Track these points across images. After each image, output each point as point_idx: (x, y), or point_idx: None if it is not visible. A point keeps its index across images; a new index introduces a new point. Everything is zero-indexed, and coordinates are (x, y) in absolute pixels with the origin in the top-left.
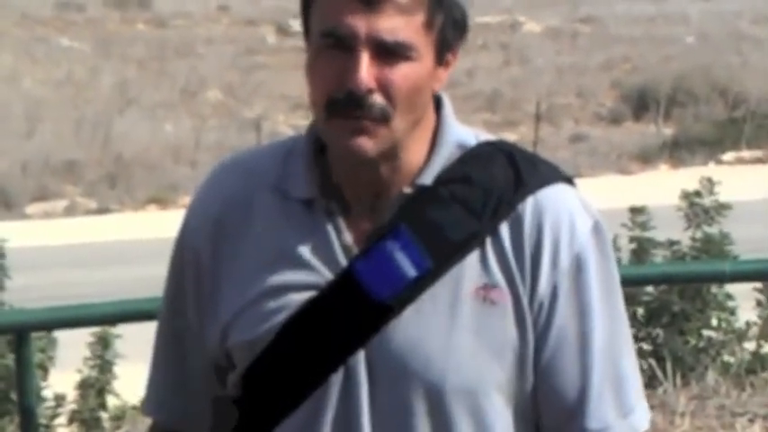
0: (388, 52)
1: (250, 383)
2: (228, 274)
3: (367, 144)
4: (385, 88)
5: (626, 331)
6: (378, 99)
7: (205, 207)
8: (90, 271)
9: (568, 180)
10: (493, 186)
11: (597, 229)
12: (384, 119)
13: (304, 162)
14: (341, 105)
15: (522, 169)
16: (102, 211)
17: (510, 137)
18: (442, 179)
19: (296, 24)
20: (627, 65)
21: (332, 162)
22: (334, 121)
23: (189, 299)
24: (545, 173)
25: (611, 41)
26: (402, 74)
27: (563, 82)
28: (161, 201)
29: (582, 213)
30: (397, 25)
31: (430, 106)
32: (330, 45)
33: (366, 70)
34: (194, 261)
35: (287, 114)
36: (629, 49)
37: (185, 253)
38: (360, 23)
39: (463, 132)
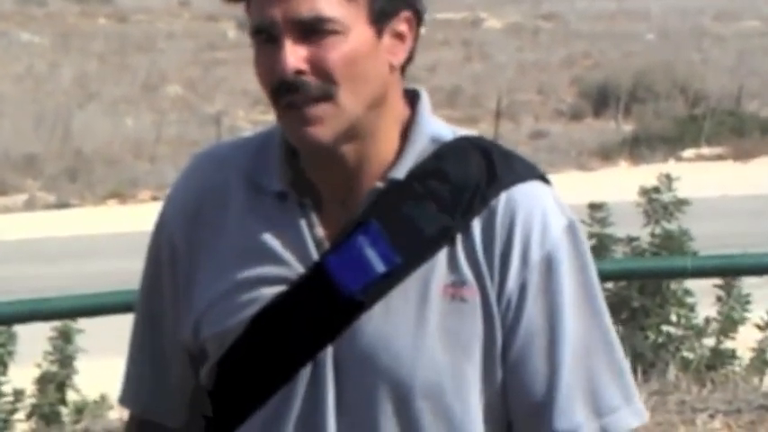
0: (312, 30)
1: (221, 375)
2: (203, 265)
3: (317, 131)
4: (317, 67)
5: (605, 332)
6: (311, 79)
7: (181, 198)
8: (50, 265)
9: (544, 178)
10: (466, 182)
11: (572, 229)
12: (325, 96)
13: (278, 155)
14: (279, 94)
15: (497, 165)
16: (62, 205)
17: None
18: (415, 173)
19: None
20: (588, 61)
21: (302, 155)
22: (282, 114)
23: (165, 290)
24: (520, 170)
25: (572, 38)
26: (332, 49)
27: (524, 78)
28: (121, 195)
29: (556, 212)
30: (313, 2)
31: (395, 89)
32: (263, 41)
33: (290, 54)
34: (170, 252)
35: (247, 110)
36: (589, 45)
37: (162, 244)
38: (276, 10)
39: (439, 127)
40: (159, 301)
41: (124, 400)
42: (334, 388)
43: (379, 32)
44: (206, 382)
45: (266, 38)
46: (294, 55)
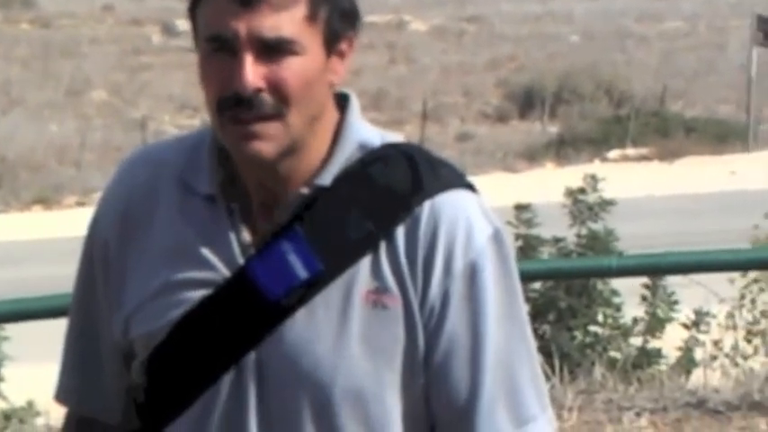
0: (272, 49)
1: (149, 375)
2: (133, 265)
3: (263, 147)
4: (274, 86)
5: (527, 340)
6: (267, 98)
7: (114, 197)
8: None
9: (470, 186)
10: (391, 190)
11: (497, 237)
12: (277, 115)
13: (209, 157)
14: (228, 106)
15: (422, 173)
16: None
17: None
18: (340, 180)
19: (181, 24)
20: (512, 63)
21: (233, 161)
22: (227, 126)
23: (98, 288)
24: (445, 178)
25: (496, 40)
26: (290, 70)
27: (449, 81)
28: (46, 201)
29: (481, 220)
30: (277, 21)
31: (329, 102)
32: (216, 49)
33: (251, 71)
34: (102, 252)
35: (172, 114)
36: (514, 47)
37: (95, 242)
38: (240, 24)
39: (368, 133)
40: (93, 299)
41: (59, 395)
42: (255, 392)
43: (329, 54)
44: (136, 379)
45: (220, 47)
46: (255, 72)
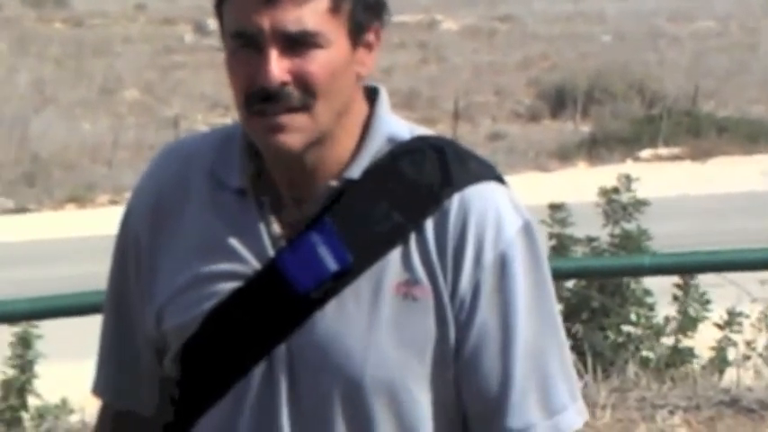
0: (297, 43)
1: (182, 367)
2: (164, 257)
3: (289, 139)
4: (300, 79)
5: (557, 331)
6: (293, 91)
7: (146, 191)
8: (8, 270)
9: (499, 179)
10: (420, 182)
11: (527, 230)
12: (303, 108)
13: (239, 151)
14: (256, 101)
15: (451, 166)
16: (20, 210)
17: None
18: (370, 173)
19: (213, 23)
20: (545, 63)
21: (265, 155)
22: (253, 119)
23: (131, 282)
24: (474, 171)
25: (528, 40)
26: (315, 62)
27: (481, 80)
28: (79, 200)
29: (511, 212)
30: (299, 15)
31: (358, 95)
32: (241, 45)
33: (276, 65)
34: (135, 245)
35: (205, 113)
36: (546, 47)
37: (127, 237)
38: (263, 19)
39: (397, 126)
40: (126, 292)
41: (96, 389)
42: (287, 384)
43: (355, 45)
44: (169, 372)
45: (245, 43)
46: (280, 66)
